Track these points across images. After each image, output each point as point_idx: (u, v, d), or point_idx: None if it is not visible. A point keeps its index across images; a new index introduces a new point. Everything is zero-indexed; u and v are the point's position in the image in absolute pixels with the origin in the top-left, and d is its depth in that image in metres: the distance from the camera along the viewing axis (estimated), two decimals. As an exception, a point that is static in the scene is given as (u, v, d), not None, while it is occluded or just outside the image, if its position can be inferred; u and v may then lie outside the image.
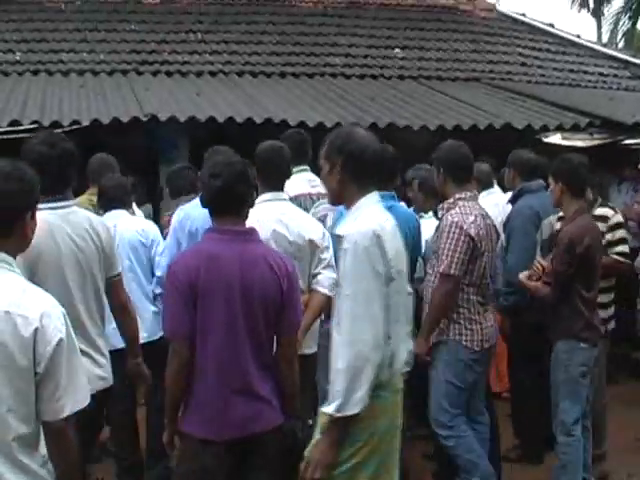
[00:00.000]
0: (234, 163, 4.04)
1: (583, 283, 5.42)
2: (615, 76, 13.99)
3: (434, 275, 5.26)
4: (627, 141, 9.62)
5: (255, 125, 8.95)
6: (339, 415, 3.51)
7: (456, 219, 5.14)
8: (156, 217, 8.21)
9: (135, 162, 6.55)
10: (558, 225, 5.82)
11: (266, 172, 5.23)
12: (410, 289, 4.04)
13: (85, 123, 8.72)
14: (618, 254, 6.05)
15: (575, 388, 5.47)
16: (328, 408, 3.53)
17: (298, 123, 9.13)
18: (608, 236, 6.02)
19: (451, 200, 5.29)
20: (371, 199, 3.73)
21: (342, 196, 3.80)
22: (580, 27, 62.72)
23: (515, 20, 15.00)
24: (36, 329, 2.89)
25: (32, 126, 8.46)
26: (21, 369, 2.90)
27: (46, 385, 2.94)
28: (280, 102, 10.25)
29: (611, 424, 6.45)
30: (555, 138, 9.59)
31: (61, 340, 2.93)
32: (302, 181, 6.10)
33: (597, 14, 35.38)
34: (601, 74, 13.90)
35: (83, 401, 3.05)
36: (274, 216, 5.09)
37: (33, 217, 3.12)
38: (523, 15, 15.14)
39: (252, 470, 3.94)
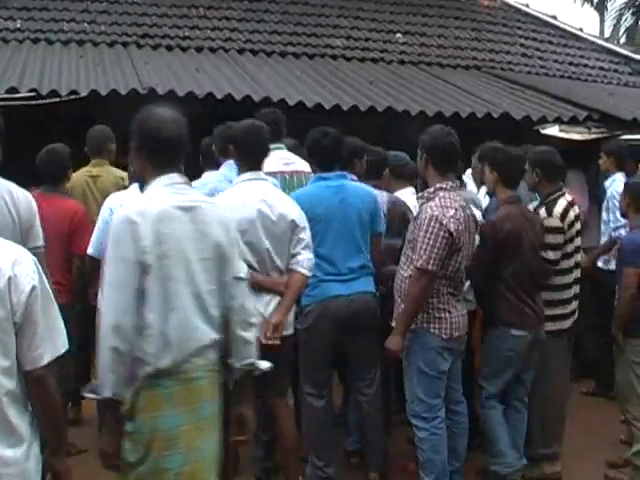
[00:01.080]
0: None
1: (507, 269, 5.47)
2: (616, 71, 13.98)
3: (407, 266, 5.19)
4: (625, 137, 9.61)
5: (253, 103, 8.92)
6: (99, 397, 3.49)
7: (436, 213, 5.02)
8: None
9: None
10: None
11: (246, 151, 5.27)
12: (243, 273, 3.86)
13: (83, 93, 8.69)
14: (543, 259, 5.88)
15: (495, 370, 5.59)
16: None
17: (296, 103, 9.13)
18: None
19: (432, 190, 5.17)
20: (162, 181, 3.62)
21: (143, 177, 3.74)
22: (583, 21, 62.51)
23: (518, 10, 14.97)
24: (9, 278, 2.90)
25: (30, 94, 8.45)
26: (0, 320, 2.90)
27: (24, 334, 2.94)
28: (279, 81, 10.23)
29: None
30: (553, 130, 9.60)
31: (34, 287, 2.95)
32: (276, 159, 6.07)
33: (600, 9, 35.38)
34: (602, 68, 13.89)
35: (62, 347, 3.07)
36: (258, 196, 5.12)
37: None
38: (526, 6, 15.11)
39: None
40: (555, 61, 13.64)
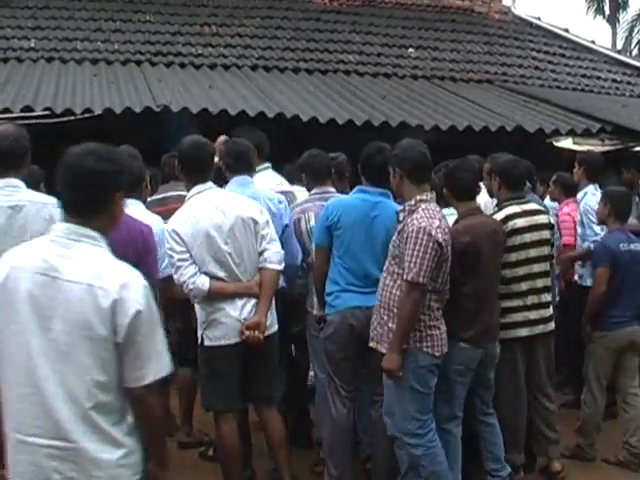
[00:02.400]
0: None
1: (465, 283, 5.36)
2: (629, 83, 13.97)
3: (393, 280, 5.12)
4: (638, 148, 9.60)
5: (267, 119, 8.96)
6: None
7: (423, 224, 4.92)
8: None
9: (146, 153, 6.57)
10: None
11: (191, 167, 5.34)
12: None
13: (98, 111, 8.74)
14: None
15: (447, 387, 5.39)
16: None
17: (310, 119, 9.15)
18: None
19: (412, 202, 5.09)
20: None
21: None
22: (595, 33, 62.53)
23: (530, 24, 15.01)
24: (115, 300, 3.03)
25: (44, 112, 8.50)
26: (101, 339, 3.05)
27: (127, 354, 3.09)
28: (293, 97, 10.26)
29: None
30: (566, 143, 9.60)
31: (139, 312, 3.07)
32: (270, 178, 6.30)
33: (612, 21, 35.43)
34: (614, 80, 13.87)
35: (165, 369, 3.20)
36: (209, 206, 5.19)
37: (120, 199, 3.27)
38: (538, 19, 15.15)
39: None
40: (568, 74, 13.64)
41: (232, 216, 5.16)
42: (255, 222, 5.20)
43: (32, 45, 11.45)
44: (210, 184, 5.36)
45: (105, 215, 3.21)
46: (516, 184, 6.10)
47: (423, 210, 5.04)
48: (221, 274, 5.17)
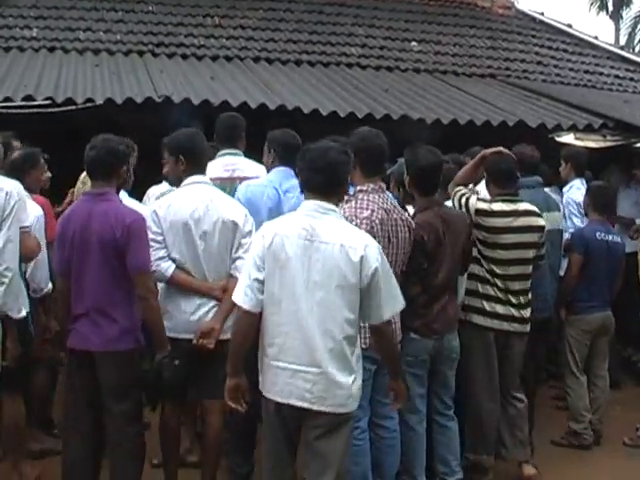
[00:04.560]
0: (109, 139, 5.05)
1: (409, 277, 5.33)
2: (631, 79, 13.91)
3: None
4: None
5: (269, 111, 8.94)
6: None
7: (347, 214, 4.89)
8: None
9: (147, 144, 6.58)
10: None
11: (191, 158, 5.36)
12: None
13: (99, 102, 8.72)
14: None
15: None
16: None
17: (312, 111, 9.14)
18: None
19: (352, 192, 5.10)
20: None
21: None
22: (598, 29, 62.35)
23: (533, 19, 14.95)
24: (362, 256, 4.10)
25: (46, 102, 8.48)
26: (351, 285, 4.12)
27: (370, 297, 4.16)
28: (295, 90, 10.24)
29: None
30: (568, 138, 9.56)
31: (378, 265, 4.13)
32: (219, 165, 6.28)
33: (615, 17, 35.43)
34: (617, 77, 13.82)
35: (398, 307, 4.39)
36: (196, 199, 5.22)
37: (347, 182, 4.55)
38: (541, 14, 15.09)
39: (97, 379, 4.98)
40: (570, 69, 13.59)
41: (214, 215, 5.19)
42: (236, 227, 5.21)
43: (34, 35, 11.43)
44: (206, 178, 5.41)
45: (341, 194, 4.37)
46: (504, 180, 6.06)
47: (358, 200, 5.06)
48: (189, 267, 5.21)
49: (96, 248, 4.89)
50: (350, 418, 4.33)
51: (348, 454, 4.45)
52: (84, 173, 5.72)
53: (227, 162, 6.35)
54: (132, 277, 4.93)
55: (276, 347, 4.18)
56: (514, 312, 5.99)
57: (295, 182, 5.68)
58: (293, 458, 4.47)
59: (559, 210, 7.12)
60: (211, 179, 5.61)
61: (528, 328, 6.09)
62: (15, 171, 5.79)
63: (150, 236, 5.10)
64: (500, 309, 5.96)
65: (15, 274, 5.21)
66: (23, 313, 5.40)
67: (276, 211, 5.64)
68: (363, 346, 4.88)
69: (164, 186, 6.65)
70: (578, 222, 7.71)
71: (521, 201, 6.07)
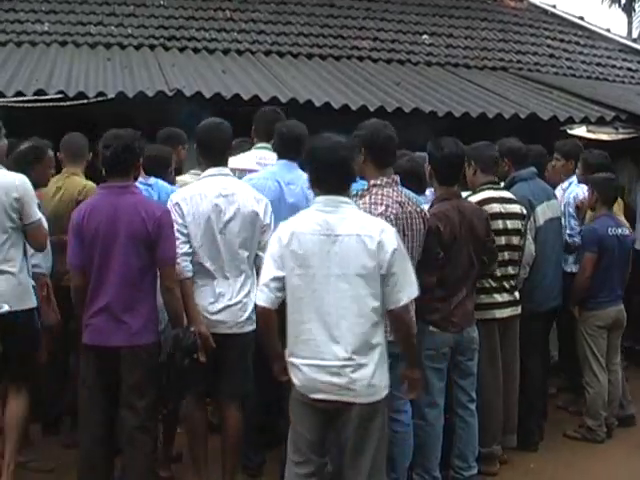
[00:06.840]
0: (122, 136, 4.96)
1: (424, 267, 5.21)
2: (644, 72, 13.88)
3: None
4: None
5: (280, 105, 8.93)
6: None
7: (362, 209, 4.82)
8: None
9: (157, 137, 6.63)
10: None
11: (207, 149, 5.35)
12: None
13: (111, 95, 8.74)
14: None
15: (422, 374, 5.15)
16: None
17: (323, 104, 9.13)
18: None
19: (366, 187, 5.07)
20: None
21: None
22: (610, 22, 61.98)
23: (545, 11, 14.89)
24: (378, 242, 4.15)
25: (58, 96, 8.50)
26: (372, 273, 4.16)
27: (388, 282, 4.19)
28: (306, 83, 10.25)
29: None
30: (580, 131, 9.54)
31: (395, 249, 4.18)
32: (252, 157, 6.30)
33: (628, 10, 35.16)
34: (629, 69, 13.76)
35: (415, 292, 4.33)
36: (216, 191, 5.19)
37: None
38: (553, 7, 15.03)
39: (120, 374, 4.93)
40: (582, 62, 13.54)
41: (236, 208, 5.18)
42: (258, 218, 5.23)
43: (46, 29, 11.47)
44: (225, 170, 5.36)
45: (350, 188, 4.38)
46: (490, 168, 6.16)
47: (372, 195, 5.00)
48: (207, 264, 5.18)
49: (123, 241, 4.82)
50: (382, 407, 4.33)
51: (384, 443, 4.44)
52: None
53: (261, 155, 6.35)
54: (160, 269, 4.93)
55: (301, 344, 4.24)
56: (509, 297, 6.13)
57: (298, 173, 5.74)
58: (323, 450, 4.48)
59: (556, 198, 7.06)
60: (241, 170, 5.65)
61: (519, 310, 6.23)
62: (20, 164, 5.79)
63: (176, 227, 5.06)
64: (498, 297, 6.06)
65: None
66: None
67: (277, 203, 5.63)
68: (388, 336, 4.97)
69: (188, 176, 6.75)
70: (576, 225, 7.47)
71: (502, 189, 6.25)
